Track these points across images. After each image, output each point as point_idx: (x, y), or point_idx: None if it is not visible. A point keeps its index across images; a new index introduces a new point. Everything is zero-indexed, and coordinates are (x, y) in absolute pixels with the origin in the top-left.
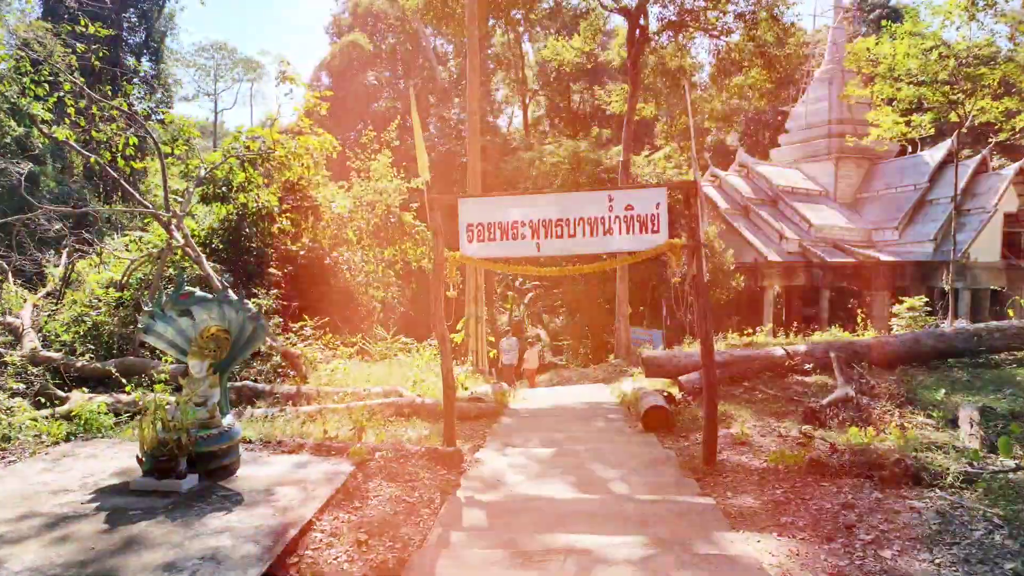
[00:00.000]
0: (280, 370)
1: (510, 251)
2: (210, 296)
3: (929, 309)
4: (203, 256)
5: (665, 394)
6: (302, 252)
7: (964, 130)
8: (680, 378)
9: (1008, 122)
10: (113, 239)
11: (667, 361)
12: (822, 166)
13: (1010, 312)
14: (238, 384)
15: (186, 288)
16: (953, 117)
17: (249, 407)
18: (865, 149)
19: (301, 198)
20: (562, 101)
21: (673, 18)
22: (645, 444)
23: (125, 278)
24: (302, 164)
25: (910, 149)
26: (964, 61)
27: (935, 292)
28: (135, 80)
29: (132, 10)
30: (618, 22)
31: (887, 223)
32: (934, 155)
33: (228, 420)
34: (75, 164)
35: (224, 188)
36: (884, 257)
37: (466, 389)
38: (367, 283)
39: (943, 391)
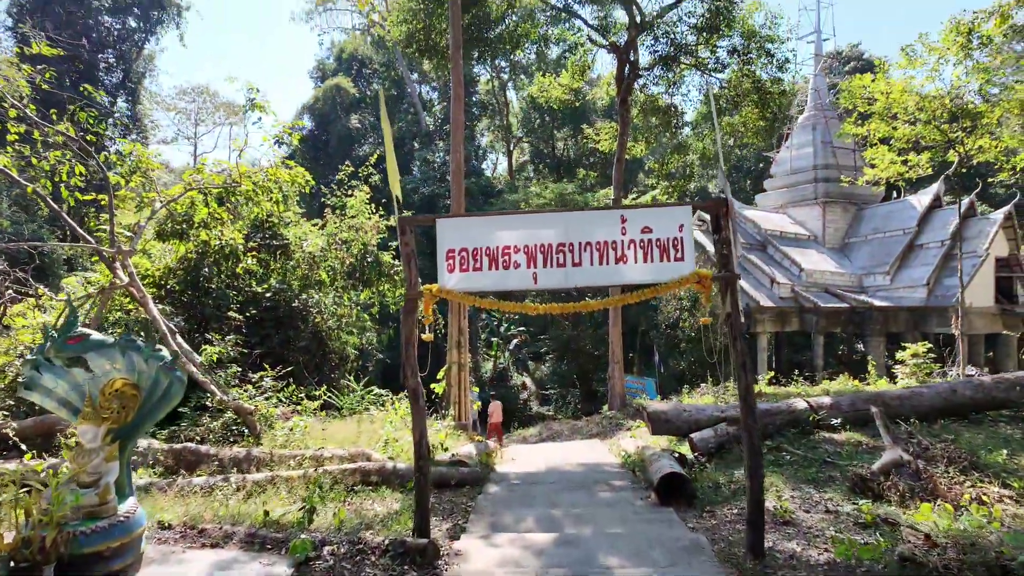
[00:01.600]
0: (233, 428)
1: (500, 283)
2: (110, 340)
3: (934, 356)
4: (149, 297)
5: (676, 455)
6: (268, 294)
7: (950, 174)
8: (692, 436)
9: (1009, 161)
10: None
11: (676, 416)
12: (809, 210)
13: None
14: (177, 446)
15: (78, 330)
16: (952, 156)
17: (186, 475)
18: (851, 194)
19: (270, 236)
20: (546, 147)
21: (664, 52)
22: (665, 524)
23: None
24: (271, 199)
25: (895, 195)
26: (961, 98)
27: (930, 338)
28: (88, 108)
29: (110, 51)
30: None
31: (877, 268)
32: (921, 200)
33: (128, 505)
34: (37, 200)
35: (184, 224)
36: (877, 302)
37: (446, 450)
38: (339, 328)
39: (1004, 452)
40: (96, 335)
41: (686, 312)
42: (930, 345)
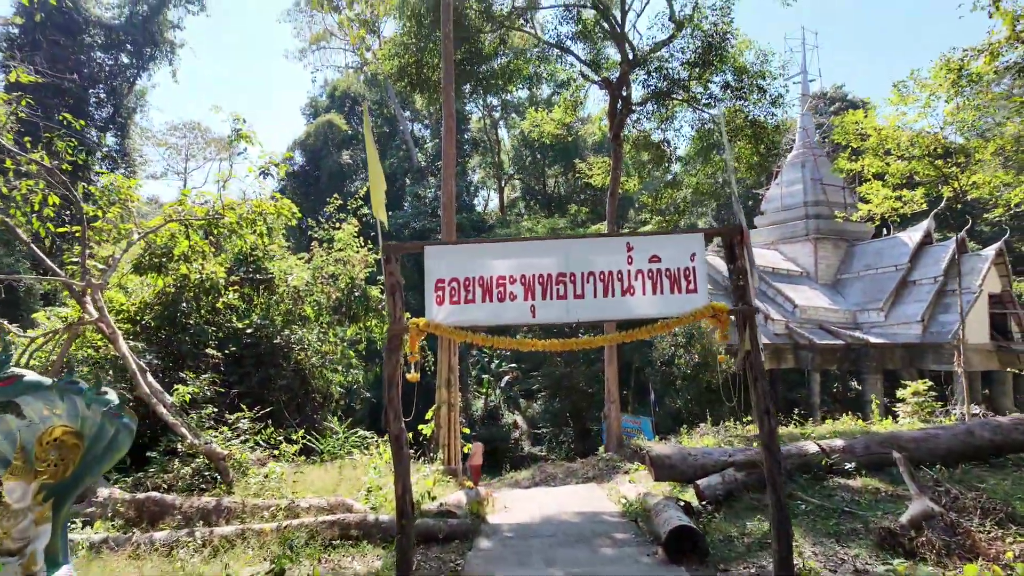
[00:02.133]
0: (205, 474)
1: (495, 316)
2: (48, 382)
3: (935, 394)
4: (119, 333)
5: (682, 504)
6: (249, 330)
7: (939, 211)
8: (699, 483)
9: (1003, 196)
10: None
11: (680, 461)
12: (800, 247)
13: None
14: (140, 496)
15: (10, 370)
16: (946, 192)
17: (148, 529)
18: (842, 230)
19: (254, 270)
20: (537, 184)
21: (657, 87)
22: None
23: (27, 360)
24: (255, 232)
25: (885, 232)
26: (954, 135)
27: (926, 375)
28: (68, 138)
29: (101, 86)
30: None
31: (871, 304)
32: (912, 236)
33: None
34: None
35: (163, 257)
36: (872, 339)
37: (433, 499)
38: (323, 366)
39: None
40: (32, 376)
41: (681, 348)
42: (931, 383)
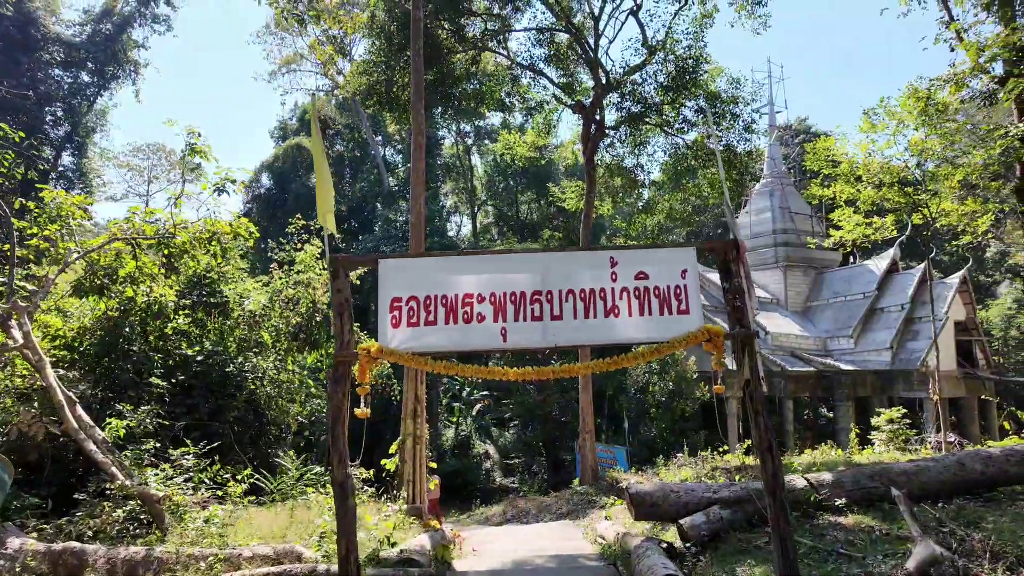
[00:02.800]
0: (140, 519)
1: (461, 341)
2: None
3: (909, 422)
4: (47, 361)
5: (664, 545)
6: (200, 357)
7: (903, 240)
8: (682, 522)
9: (971, 224)
10: None
11: (662, 499)
12: (770, 274)
13: (1006, 424)
14: (58, 547)
15: None
16: (916, 219)
17: None
18: (810, 258)
19: (208, 294)
20: (510, 210)
21: (630, 111)
22: None
23: None
24: (209, 252)
25: (852, 259)
26: (923, 163)
27: (895, 402)
28: (3, 150)
29: (58, 104)
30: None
31: (841, 331)
32: (879, 264)
33: None
34: None
35: (107, 278)
36: (843, 366)
37: (393, 545)
38: (280, 395)
39: None
40: None
41: (656, 375)
42: (905, 410)
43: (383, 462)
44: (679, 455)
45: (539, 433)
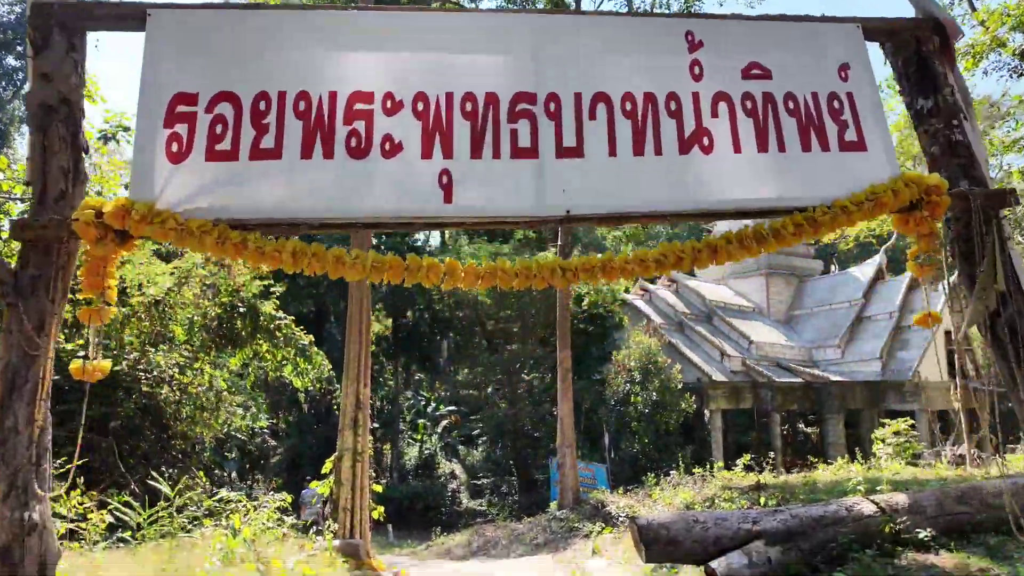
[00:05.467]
0: None
1: (340, 197)
2: None
3: (916, 434)
4: None
5: None
6: (80, 353)
7: (890, 246)
8: (714, 566)
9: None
10: None
11: (683, 532)
12: (751, 282)
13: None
14: None
15: None
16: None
17: None
18: (792, 265)
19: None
20: None
21: None
22: None
23: None
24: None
25: (834, 269)
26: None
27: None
28: None
29: None
30: None
31: (827, 341)
32: (864, 271)
33: None
34: None
35: None
36: (832, 377)
37: None
38: (191, 404)
39: None
40: None
41: (638, 386)
42: (913, 422)
43: (312, 484)
44: (673, 473)
45: (509, 450)
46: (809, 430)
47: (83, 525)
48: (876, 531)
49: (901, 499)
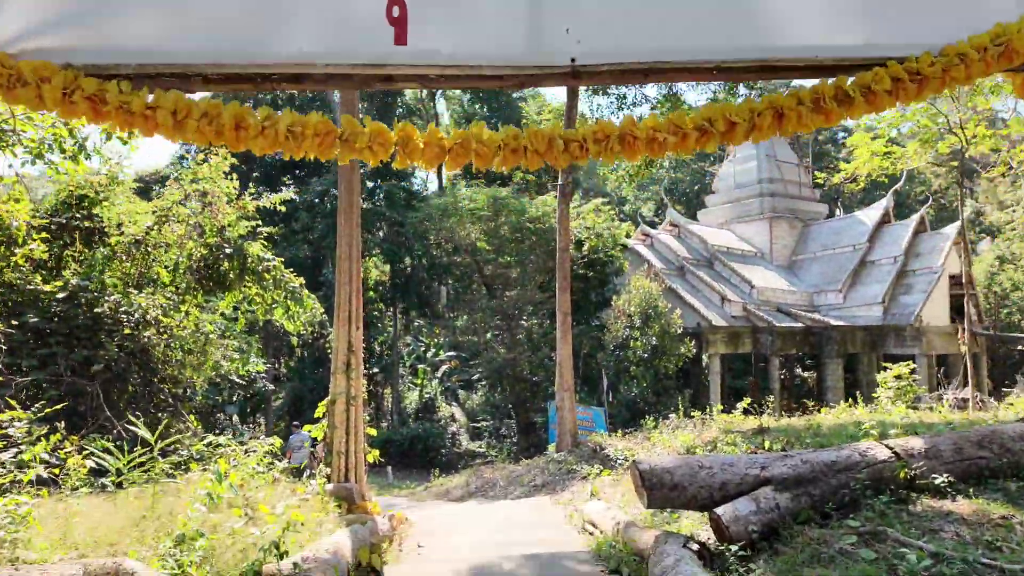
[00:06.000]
0: None
1: (244, 36)
2: None
3: (919, 377)
4: None
5: (695, 547)
6: (60, 295)
7: (899, 188)
8: (721, 513)
9: (1011, 151)
10: None
11: (688, 477)
12: (755, 227)
13: None
14: None
15: None
16: (943, 147)
17: None
18: (796, 209)
19: (83, 217)
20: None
21: None
22: None
23: None
24: (62, 152)
25: (838, 213)
26: None
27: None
28: None
29: None
30: None
31: (829, 286)
32: (870, 215)
33: None
34: None
35: None
36: (832, 321)
37: (283, 555)
38: (180, 348)
39: None
40: None
41: (637, 331)
42: (914, 366)
43: (306, 428)
44: (672, 417)
45: (508, 395)
46: (806, 375)
47: (56, 471)
48: (890, 477)
49: (917, 444)
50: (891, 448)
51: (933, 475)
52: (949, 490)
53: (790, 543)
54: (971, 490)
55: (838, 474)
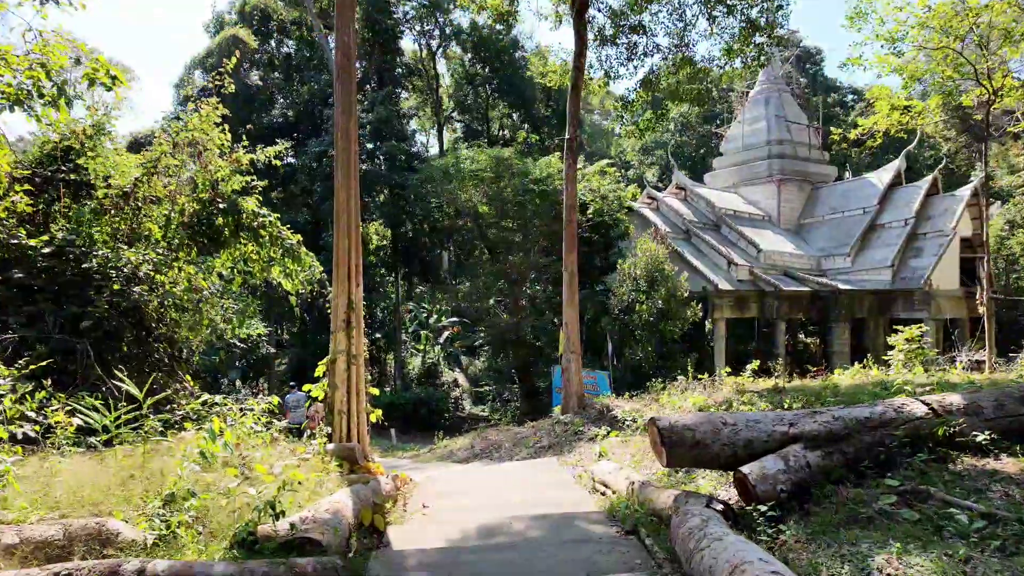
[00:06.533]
0: None
1: None
2: None
3: (930, 341)
4: None
5: (719, 507)
6: (45, 250)
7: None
8: (747, 471)
9: None
10: None
11: (710, 434)
12: (763, 189)
13: None
14: None
15: None
16: (967, 100)
17: None
18: (806, 172)
19: (70, 170)
20: (480, 126)
21: None
22: None
23: None
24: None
25: (847, 175)
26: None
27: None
28: None
29: None
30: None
31: (837, 250)
32: (882, 177)
33: None
34: None
35: None
36: (840, 286)
37: (279, 514)
38: (167, 304)
39: None
40: None
41: (643, 294)
42: (926, 328)
43: (306, 387)
44: (680, 379)
45: (512, 359)
46: (809, 340)
47: (37, 428)
48: (928, 434)
49: (955, 399)
50: (928, 404)
51: (974, 432)
52: (992, 448)
53: (823, 503)
54: (1017, 447)
55: (872, 431)
